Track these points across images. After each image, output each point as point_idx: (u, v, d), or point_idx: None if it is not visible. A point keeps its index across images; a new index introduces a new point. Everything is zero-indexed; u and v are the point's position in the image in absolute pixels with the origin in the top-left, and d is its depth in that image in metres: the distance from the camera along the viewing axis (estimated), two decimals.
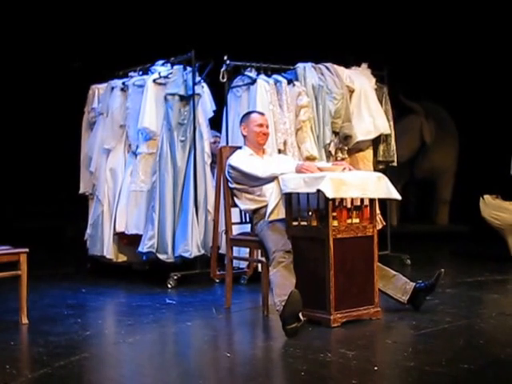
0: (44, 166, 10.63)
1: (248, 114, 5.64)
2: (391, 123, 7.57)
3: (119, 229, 6.87)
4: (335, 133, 7.02)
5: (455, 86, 10.39)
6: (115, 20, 10.06)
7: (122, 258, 7.12)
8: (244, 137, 5.50)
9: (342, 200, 4.78)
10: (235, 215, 5.58)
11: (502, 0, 9.42)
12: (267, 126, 5.51)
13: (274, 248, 4.90)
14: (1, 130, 10.43)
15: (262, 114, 5.64)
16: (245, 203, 5.36)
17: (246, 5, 9.88)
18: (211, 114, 7.00)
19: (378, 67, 7.70)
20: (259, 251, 5.41)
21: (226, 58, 6.62)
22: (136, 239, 6.69)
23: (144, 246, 6.53)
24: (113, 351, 4.46)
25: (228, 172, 5.35)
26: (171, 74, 6.71)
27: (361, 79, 7.34)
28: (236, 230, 5.61)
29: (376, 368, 3.82)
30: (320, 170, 4.96)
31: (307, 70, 7.02)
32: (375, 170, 7.25)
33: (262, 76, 6.78)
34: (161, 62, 7.03)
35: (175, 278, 6.46)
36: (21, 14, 9.99)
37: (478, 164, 10.18)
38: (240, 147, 5.49)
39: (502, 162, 7.99)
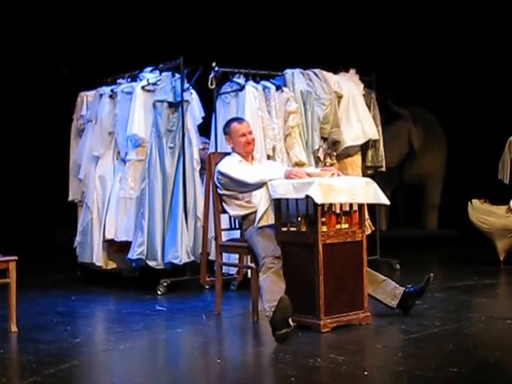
0: (33, 173, 10.61)
1: (228, 124, 5.52)
2: (379, 129, 7.59)
3: (108, 236, 6.86)
4: (324, 138, 7.04)
5: (443, 91, 10.44)
6: (103, 27, 10.06)
7: (112, 265, 7.11)
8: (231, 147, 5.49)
9: (330, 205, 4.79)
10: (224, 221, 5.58)
11: (486, 5, 9.48)
12: (250, 133, 5.43)
13: (263, 254, 4.90)
14: None
15: (241, 121, 5.56)
16: (234, 209, 5.37)
17: (234, 11, 9.91)
18: (200, 121, 7.01)
19: (366, 73, 7.72)
20: (249, 257, 5.40)
21: (214, 64, 6.63)
22: (125, 246, 6.68)
23: (134, 253, 6.52)
24: (103, 358, 4.45)
25: (217, 178, 5.35)
26: (160, 80, 6.71)
27: (349, 85, 7.36)
28: (225, 236, 5.62)
29: (366, 373, 3.83)
30: (309, 175, 4.97)
31: (295, 76, 7.03)
32: (364, 175, 7.26)
33: (251, 82, 6.79)
34: (149, 68, 7.03)
35: (165, 284, 6.45)
36: (8, 21, 9.98)
37: (466, 168, 10.21)
38: (229, 153, 5.49)
39: (490, 166, 8.02)
